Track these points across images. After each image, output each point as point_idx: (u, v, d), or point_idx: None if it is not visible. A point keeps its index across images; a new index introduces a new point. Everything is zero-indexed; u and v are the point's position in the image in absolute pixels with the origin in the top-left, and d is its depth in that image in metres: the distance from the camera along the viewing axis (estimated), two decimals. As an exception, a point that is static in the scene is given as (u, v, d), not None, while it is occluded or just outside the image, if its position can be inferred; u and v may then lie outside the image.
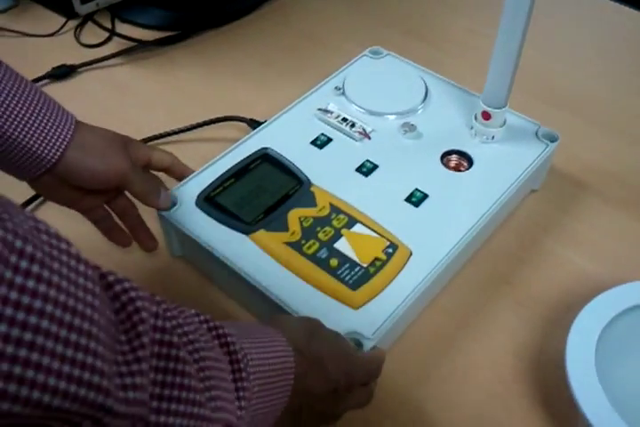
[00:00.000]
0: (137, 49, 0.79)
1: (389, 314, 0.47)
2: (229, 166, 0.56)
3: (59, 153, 0.45)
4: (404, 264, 0.50)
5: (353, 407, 0.43)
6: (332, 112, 0.60)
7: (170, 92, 0.75)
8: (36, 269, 0.20)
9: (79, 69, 0.78)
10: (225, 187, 0.55)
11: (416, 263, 0.50)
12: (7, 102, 0.43)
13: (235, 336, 0.32)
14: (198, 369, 0.27)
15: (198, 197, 0.54)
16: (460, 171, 0.56)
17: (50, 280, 0.20)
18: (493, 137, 0.57)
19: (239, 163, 0.57)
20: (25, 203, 0.61)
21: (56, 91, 0.75)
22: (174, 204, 0.54)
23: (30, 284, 0.20)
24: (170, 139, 0.68)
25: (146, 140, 0.67)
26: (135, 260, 0.57)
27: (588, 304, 0.45)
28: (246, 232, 0.52)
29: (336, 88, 0.62)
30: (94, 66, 0.78)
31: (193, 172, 0.56)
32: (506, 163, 0.56)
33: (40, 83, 0.76)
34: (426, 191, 0.54)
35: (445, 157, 0.57)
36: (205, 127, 0.68)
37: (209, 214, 0.53)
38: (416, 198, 0.54)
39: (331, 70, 0.65)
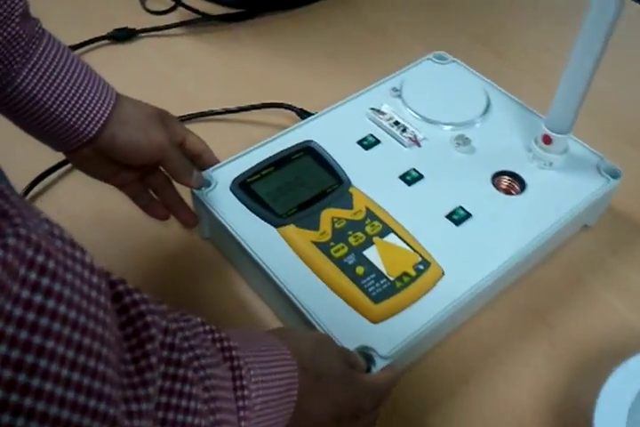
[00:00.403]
0: (200, 22, 0.78)
1: (410, 334, 0.44)
2: (271, 154, 0.54)
3: (97, 127, 0.44)
4: (434, 284, 0.47)
5: None
6: (384, 113, 0.58)
7: (227, 69, 0.73)
8: (46, 281, 0.18)
9: (140, 34, 0.77)
10: (262, 175, 0.53)
11: (447, 285, 0.47)
12: (48, 73, 0.42)
13: (240, 349, 0.30)
14: (204, 389, 0.25)
15: (233, 181, 0.53)
16: (510, 194, 0.53)
17: (61, 294, 0.18)
18: (552, 164, 0.54)
19: (281, 152, 0.54)
20: (46, 172, 0.61)
21: (114, 52, 0.75)
22: (209, 184, 0.52)
23: (38, 299, 0.18)
24: (217, 117, 0.67)
25: (193, 116, 0.66)
26: (166, 235, 0.56)
27: (627, 362, 0.42)
28: (276, 225, 0.50)
29: (393, 89, 0.59)
30: (155, 33, 0.77)
31: (218, 162, 0.54)
32: (561, 193, 0.53)
33: (99, 42, 0.75)
34: (470, 210, 0.51)
35: (497, 177, 0.54)
36: (255, 111, 0.66)
37: (241, 200, 0.51)
38: (458, 216, 0.51)
39: (393, 69, 0.63)
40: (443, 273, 0.48)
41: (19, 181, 0.60)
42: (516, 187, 0.53)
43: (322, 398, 0.36)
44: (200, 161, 0.54)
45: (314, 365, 0.36)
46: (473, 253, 0.49)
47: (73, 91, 0.43)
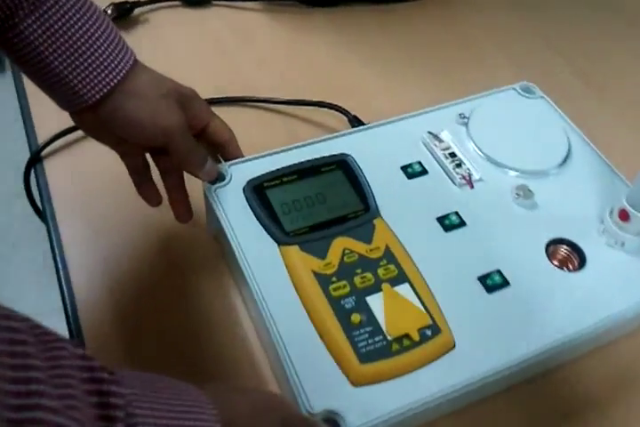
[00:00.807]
0: (279, 0, 0.72)
1: (391, 410, 0.37)
2: (300, 160, 0.47)
3: (99, 95, 0.39)
4: (439, 356, 0.39)
5: None
6: (442, 141, 0.49)
7: (292, 55, 0.67)
8: None
9: (215, 1, 0.71)
10: (282, 181, 0.46)
11: (455, 361, 0.39)
12: (56, 27, 0.37)
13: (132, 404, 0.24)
14: None
15: (249, 182, 0.46)
16: (563, 268, 0.44)
17: None
18: (623, 244, 0.44)
19: (311, 160, 0.47)
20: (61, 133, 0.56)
21: (182, 16, 0.70)
22: (223, 178, 0.46)
23: None
24: (263, 105, 0.61)
25: (237, 99, 0.60)
26: (171, 222, 0.50)
27: None
28: (279, 241, 0.43)
29: (461, 115, 0.51)
30: (230, 4, 0.72)
31: (242, 157, 0.48)
32: (626, 282, 0.43)
33: (171, 3, 0.70)
34: (509, 277, 0.42)
35: (553, 244, 0.45)
36: (306, 107, 0.59)
37: (250, 205, 0.45)
38: (492, 282, 0.42)
39: (473, 88, 0.54)
40: (454, 345, 0.40)
41: (43, 133, 0.56)
42: (574, 261, 0.44)
43: None
44: (222, 152, 0.48)
45: None
46: (499, 331, 0.40)
47: (80, 51, 0.37)
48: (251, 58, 0.66)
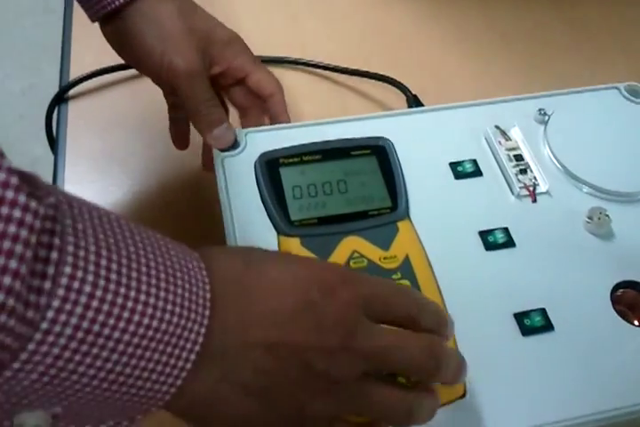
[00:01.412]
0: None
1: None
2: (328, 138, 0.39)
3: (116, 4, 0.36)
4: (444, 404, 0.31)
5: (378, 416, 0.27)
6: (510, 139, 0.40)
7: (367, 20, 0.58)
8: None
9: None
10: (302, 160, 0.38)
11: (459, 415, 0.31)
12: None
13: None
14: None
15: (263, 155, 0.39)
16: (628, 320, 0.34)
17: None
18: None
19: (342, 140, 0.39)
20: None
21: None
22: (237, 146, 0.39)
23: None
24: (317, 70, 0.54)
25: (288, 61, 0.54)
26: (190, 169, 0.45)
27: None
28: (279, 230, 0.36)
29: (540, 111, 0.41)
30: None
31: (288, 122, 0.41)
32: None
33: None
34: (553, 320, 0.33)
35: (621, 288, 0.35)
36: (368, 79, 0.51)
37: (258, 182, 0.38)
38: (531, 323, 0.33)
39: (571, 84, 0.44)
40: (464, 394, 0.31)
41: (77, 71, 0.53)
42: (643, 314, 0.34)
43: (272, 322, 0.25)
44: (267, 110, 0.41)
45: (249, 275, 0.26)
46: (529, 386, 0.31)
47: None
48: (320, 20, 0.59)
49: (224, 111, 0.39)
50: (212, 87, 0.38)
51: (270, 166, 0.38)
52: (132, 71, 0.53)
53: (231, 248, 0.33)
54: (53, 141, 0.53)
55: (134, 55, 0.38)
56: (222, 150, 0.39)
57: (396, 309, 0.27)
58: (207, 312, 0.23)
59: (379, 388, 0.26)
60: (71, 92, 0.53)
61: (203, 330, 0.23)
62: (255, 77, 0.40)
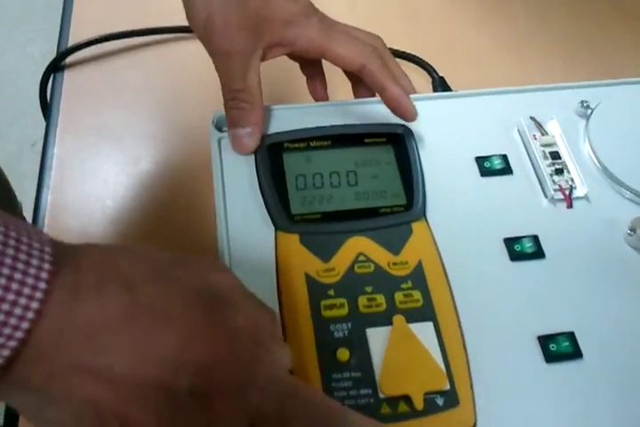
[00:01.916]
0: None
1: None
2: (340, 122, 0.35)
3: None
4: (445, 437, 0.27)
5: None
6: (546, 133, 0.35)
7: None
8: None
9: None
10: (309, 145, 0.34)
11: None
12: None
13: None
14: None
15: (265, 137, 0.34)
16: (668, 351, 0.30)
17: None
18: None
19: (356, 126, 0.35)
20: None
21: None
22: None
23: None
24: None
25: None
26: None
27: None
28: (277, 225, 0.32)
29: (583, 104, 0.36)
30: None
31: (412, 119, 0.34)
32: None
33: None
34: (582, 347, 0.29)
35: (664, 313, 0.30)
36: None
37: (257, 169, 0.33)
38: (557, 348, 0.29)
39: (625, 75, 0.39)
40: (474, 425, 0.27)
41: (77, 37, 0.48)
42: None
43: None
44: (366, 84, 0.35)
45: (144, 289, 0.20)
46: (546, 417, 0.27)
47: None
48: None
49: (255, 109, 0.34)
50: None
51: (273, 151, 0.34)
52: (134, 40, 0.48)
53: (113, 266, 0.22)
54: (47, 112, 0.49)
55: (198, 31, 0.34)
56: (219, 129, 0.35)
57: None
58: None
59: None
60: (68, 59, 0.49)
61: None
62: (332, 55, 0.35)
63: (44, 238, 0.19)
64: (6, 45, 1.37)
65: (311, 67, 0.39)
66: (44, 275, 0.18)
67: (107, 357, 0.18)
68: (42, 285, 0.18)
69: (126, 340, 0.19)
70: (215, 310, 0.21)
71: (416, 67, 0.45)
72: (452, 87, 0.43)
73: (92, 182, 0.42)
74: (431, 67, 0.44)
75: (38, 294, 0.18)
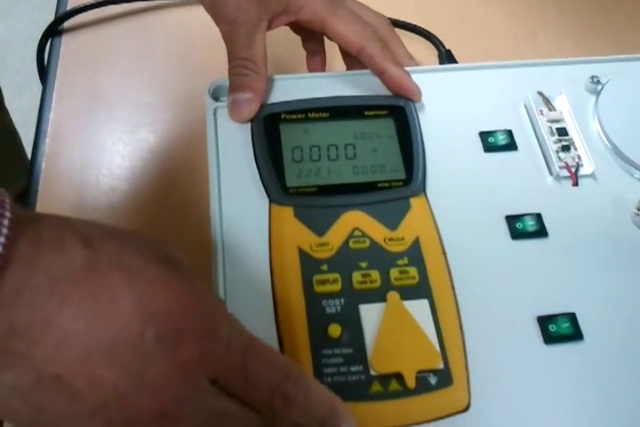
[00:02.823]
0: None
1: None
2: (340, 93, 0.34)
3: None
4: (437, 417, 0.26)
5: None
6: (553, 109, 0.34)
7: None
8: None
9: None
10: (307, 117, 0.33)
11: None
12: None
13: None
14: None
15: (263, 107, 0.33)
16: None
17: None
18: None
19: (356, 98, 0.34)
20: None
21: None
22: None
23: None
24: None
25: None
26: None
27: None
28: (272, 197, 0.31)
29: (593, 79, 0.35)
30: None
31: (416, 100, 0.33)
32: None
33: None
34: (583, 328, 0.28)
35: (669, 296, 0.29)
36: (405, 31, 0.45)
37: (253, 140, 0.32)
38: (557, 329, 0.28)
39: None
40: (467, 406, 0.26)
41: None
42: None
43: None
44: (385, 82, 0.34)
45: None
46: (543, 399, 0.27)
47: None
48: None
49: (259, 77, 0.33)
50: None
51: (269, 122, 0.33)
52: (134, 5, 0.47)
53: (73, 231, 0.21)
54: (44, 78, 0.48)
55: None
56: (215, 98, 0.34)
57: (259, 390, 0.20)
58: None
59: None
60: (66, 24, 0.47)
61: None
62: (331, 30, 0.34)
63: (4, 200, 0.19)
64: (13, 13, 1.35)
65: (314, 42, 0.38)
66: (5, 222, 0.18)
67: (70, 309, 0.18)
68: (4, 230, 0.17)
69: (90, 292, 0.18)
70: (174, 266, 0.21)
71: (423, 40, 0.44)
72: (459, 61, 0.42)
73: (88, 150, 0.41)
74: (438, 39, 0.43)
75: (1, 239, 0.17)
